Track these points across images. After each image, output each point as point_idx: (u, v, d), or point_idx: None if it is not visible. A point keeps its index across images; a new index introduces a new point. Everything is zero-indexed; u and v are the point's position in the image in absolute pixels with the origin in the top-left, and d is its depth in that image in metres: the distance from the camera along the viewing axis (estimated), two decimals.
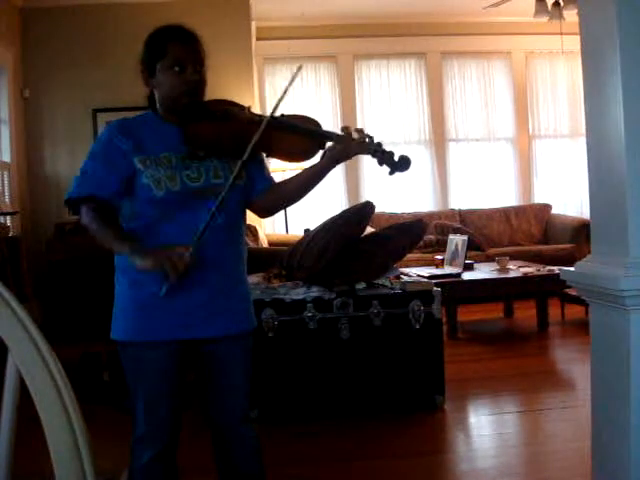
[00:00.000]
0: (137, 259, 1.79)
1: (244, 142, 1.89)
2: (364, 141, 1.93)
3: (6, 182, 6.08)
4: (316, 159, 2.02)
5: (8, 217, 5.86)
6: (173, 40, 1.93)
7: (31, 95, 6.63)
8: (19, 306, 1.00)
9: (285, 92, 1.91)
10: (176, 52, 1.91)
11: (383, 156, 1.94)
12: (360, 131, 1.94)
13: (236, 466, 2.05)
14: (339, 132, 1.97)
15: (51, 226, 6.28)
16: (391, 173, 1.96)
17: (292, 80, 1.94)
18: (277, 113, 1.97)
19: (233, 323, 1.96)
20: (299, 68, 2.02)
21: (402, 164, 1.95)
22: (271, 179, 2.07)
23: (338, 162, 1.96)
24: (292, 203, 2.14)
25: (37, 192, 6.63)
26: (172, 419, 1.97)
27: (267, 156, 2.04)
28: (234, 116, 1.96)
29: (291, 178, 2.06)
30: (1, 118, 6.17)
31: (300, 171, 2.05)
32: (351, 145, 1.92)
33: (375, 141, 1.95)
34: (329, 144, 1.97)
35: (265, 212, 2.14)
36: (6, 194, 6.06)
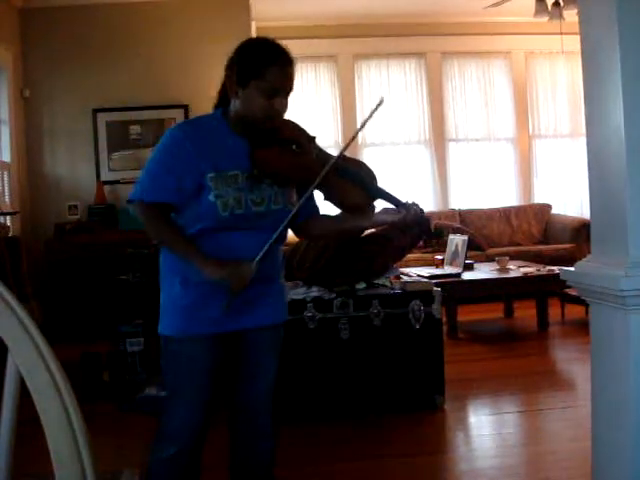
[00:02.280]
0: (209, 269, 1.89)
1: (308, 178, 1.95)
2: (419, 214, 1.96)
3: (6, 182, 6.07)
4: None
5: (8, 217, 5.86)
6: (273, 64, 1.90)
7: (31, 95, 6.63)
8: (19, 306, 1.00)
9: (358, 132, 2.01)
10: (273, 78, 1.89)
11: (427, 229, 2.04)
12: (419, 209, 1.97)
13: (249, 462, 2.12)
14: (397, 196, 2.00)
15: (51, 226, 6.28)
16: (426, 241, 2.06)
17: (370, 115, 1.96)
18: (343, 160, 2.02)
19: (269, 315, 2.08)
20: (380, 103, 1.95)
21: (435, 234, 2.05)
22: (316, 207, 2.14)
23: (390, 226, 2.08)
24: (329, 239, 2.21)
25: (37, 192, 6.63)
26: (204, 416, 2.03)
27: (324, 198, 2.08)
28: (304, 150, 1.98)
29: (338, 216, 2.14)
30: (1, 118, 6.17)
31: (349, 215, 2.10)
32: (410, 215, 1.95)
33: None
34: (383, 202, 2.01)
35: (304, 236, 2.27)
36: (6, 194, 6.05)
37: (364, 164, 2.12)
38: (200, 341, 1.98)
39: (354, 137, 2.04)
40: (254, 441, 2.11)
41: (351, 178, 2.01)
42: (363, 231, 2.08)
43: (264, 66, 1.89)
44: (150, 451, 2.02)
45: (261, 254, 1.91)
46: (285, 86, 1.92)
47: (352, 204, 2.04)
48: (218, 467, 2.29)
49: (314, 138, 2.05)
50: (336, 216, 2.15)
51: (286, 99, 1.94)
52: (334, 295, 3.64)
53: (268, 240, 1.92)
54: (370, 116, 1.94)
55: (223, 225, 1.93)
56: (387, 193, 2.02)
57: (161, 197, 1.93)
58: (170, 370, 2.04)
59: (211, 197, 1.89)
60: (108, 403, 3.86)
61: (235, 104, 1.95)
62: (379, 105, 1.93)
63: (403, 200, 1.98)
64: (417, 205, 1.97)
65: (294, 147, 1.96)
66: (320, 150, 2.03)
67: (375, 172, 2.10)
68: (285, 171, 1.96)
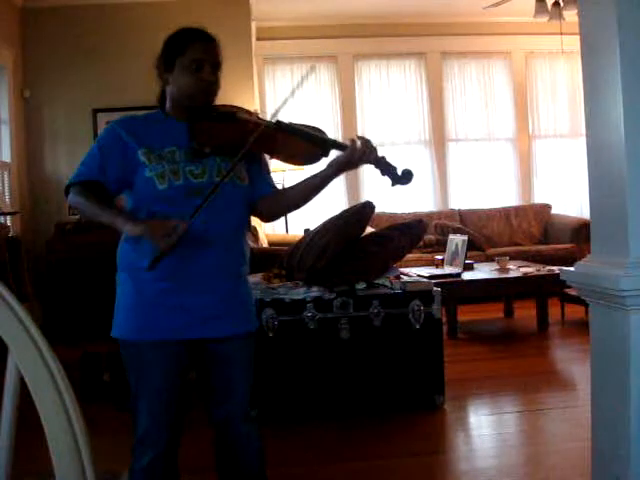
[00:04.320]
0: (129, 225, 1.83)
1: (246, 142, 1.91)
2: (369, 152, 1.92)
3: (6, 182, 6.08)
4: (318, 166, 2.03)
5: (8, 217, 5.86)
6: (194, 39, 1.95)
7: (31, 95, 6.63)
8: (19, 306, 1.00)
9: (291, 94, 1.99)
10: (196, 51, 1.94)
11: (386, 168, 1.96)
12: (365, 142, 1.93)
13: (237, 466, 2.04)
14: (344, 141, 1.98)
15: (51, 226, 6.28)
16: (393, 185, 1.98)
17: (300, 83, 1.99)
18: (286, 121, 2.00)
19: (235, 324, 1.97)
20: (311, 69, 2.05)
21: (404, 177, 1.97)
22: (273, 186, 2.10)
23: (342, 171, 1.97)
24: (293, 210, 2.16)
25: (37, 192, 6.63)
26: (173, 420, 1.96)
27: (270, 157, 2.07)
28: (241, 118, 1.99)
29: (294, 185, 2.07)
30: (1, 118, 6.17)
31: (303, 179, 2.05)
32: (356, 155, 1.92)
33: (380, 153, 1.96)
34: (333, 152, 1.99)
35: (267, 217, 2.15)
36: (6, 194, 6.06)
37: (310, 125, 2.09)
38: (159, 346, 1.90)
39: (287, 99, 2.01)
40: (239, 448, 2.03)
41: (294, 133, 2.00)
42: (324, 184, 2.00)
43: (184, 43, 1.94)
44: (131, 459, 1.96)
45: (199, 210, 1.81)
46: (209, 57, 1.94)
47: (298, 155, 2.03)
48: (204, 469, 2.27)
49: (255, 112, 2.06)
50: (293, 185, 2.08)
51: (215, 71, 1.95)
52: (334, 295, 3.64)
53: (208, 196, 1.83)
54: (301, 83, 1.98)
55: (165, 204, 1.87)
56: (335, 141, 2.02)
57: (83, 176, 1.91)
58: (131, 374, 1.96)
59: (147, 173, 1.88)
60: (108, 403, 3.86)
61: (170, 93, 1.98)
62: (310, 73, 1.97)
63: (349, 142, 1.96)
64: (365, 139, 1.93)
65: (227, 115, 1.98)
66: (260, 118, 2.02)
67: (322, 129, 2.09)
68: (221, 139, 1.96)
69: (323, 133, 2.06)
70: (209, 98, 1.97)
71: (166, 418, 1.95)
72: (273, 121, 1.96)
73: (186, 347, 1.94)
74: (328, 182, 1.99)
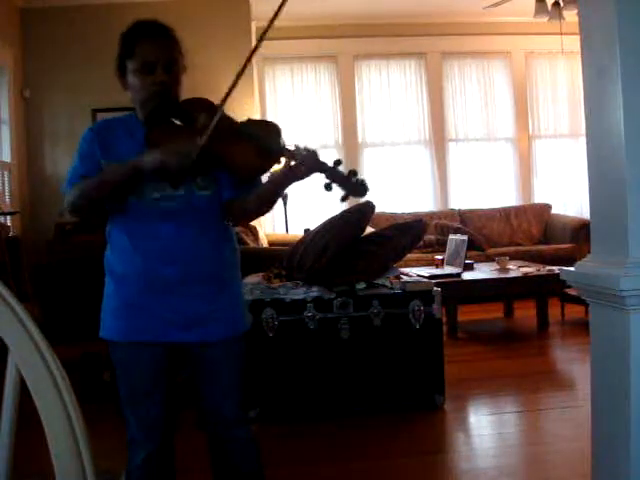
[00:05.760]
0: (144, 162, 1.72)
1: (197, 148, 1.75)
2: (307, 159, 1.73)
3: (6, 182, 6.08)
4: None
5: (8, 217, 5.86)
6: (142, 38, 1.85)
7: (31, 95, 6.64)
8: (19, 306, 1.00)
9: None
10: (144, 52, 1.83)
11: (336, 176, 1.72)
12: (312, 153, 1.74)
13: (233, 468, 2.02)
14: (292, 146, 1.78)
15: (51, 226, 6.28)
16: (344, 199, 1.72)
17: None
18: (244, 119, 1.88)
19: (220, 329, 1.92)
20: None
21: (357, 189, 1.71)
22: (237, 191, 1.90)
23: (290, 180, 1.78)
24: (256, 216, 2.05)
25: (37, 192, 6.63)
26: (163, 419, 1.96)
27: (221, 169, 1.86)
28: (194, 120, 1.82)
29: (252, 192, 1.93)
30: (1, 118, 6.18)
31: (261, 184, 1.93)
32: (309, 163, 1.73)
33: (329, 161, 1.75)
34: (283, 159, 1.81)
35: (233, 221, 2.04)
36: (6, 194, 6.06)
37: (269, 122, 1.91)
38: (144, 347, 1.89)
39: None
40: (233, 451, 2.00)
41: (241, 138, 1.80)
42: (279, 193, 1.86)
43: (132, 43, 1.84)
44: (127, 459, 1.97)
45: (208, 132, 1.70)
46: (160, 56, 1.82)
47: (246, 166, 1.81)
48: (200, 469, 2.26)
49: (220, 106, 1.82)
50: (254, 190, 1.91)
51: (170, 70, 1.84)
52: (334, 295, 3.64)
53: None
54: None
55: (137, 212, 1.85)
56: (286, 149, 1.78)
57: (75, 179, 1.86)
58: (119, 375, 1.96)
59: None
60: (108, 403, 3.86)
61: (131, 97, 1.90)
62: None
63: (292, 148, 1.76)
64: (307, 148, 1.74)
65: (177, 122, 1.83)
66: (211, 118, 1.77)
67: (280, 128, 1.85)
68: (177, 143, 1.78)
69: (278, 133, 1.83)
70: (165, 100, 1.84)
71: (154, 418, 1.94)
72: (215, 120, 1.75)
73: (168, 349, 1.93)
74: (282, 188, 1.84)
